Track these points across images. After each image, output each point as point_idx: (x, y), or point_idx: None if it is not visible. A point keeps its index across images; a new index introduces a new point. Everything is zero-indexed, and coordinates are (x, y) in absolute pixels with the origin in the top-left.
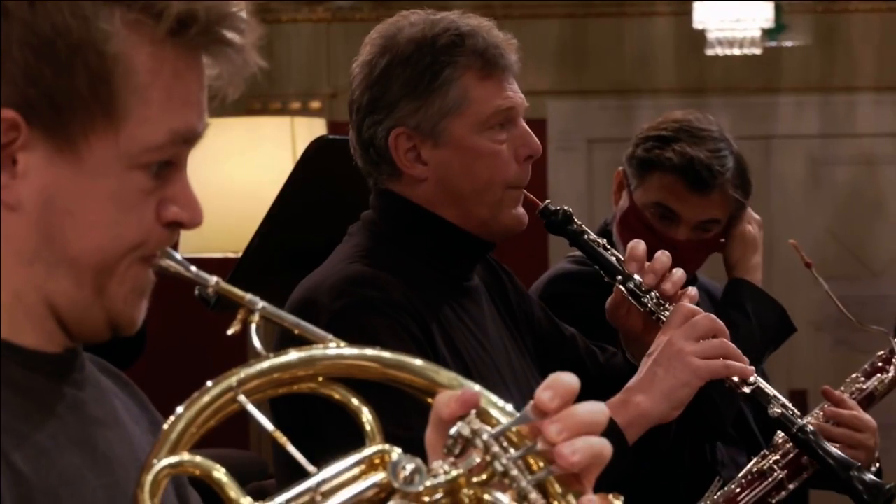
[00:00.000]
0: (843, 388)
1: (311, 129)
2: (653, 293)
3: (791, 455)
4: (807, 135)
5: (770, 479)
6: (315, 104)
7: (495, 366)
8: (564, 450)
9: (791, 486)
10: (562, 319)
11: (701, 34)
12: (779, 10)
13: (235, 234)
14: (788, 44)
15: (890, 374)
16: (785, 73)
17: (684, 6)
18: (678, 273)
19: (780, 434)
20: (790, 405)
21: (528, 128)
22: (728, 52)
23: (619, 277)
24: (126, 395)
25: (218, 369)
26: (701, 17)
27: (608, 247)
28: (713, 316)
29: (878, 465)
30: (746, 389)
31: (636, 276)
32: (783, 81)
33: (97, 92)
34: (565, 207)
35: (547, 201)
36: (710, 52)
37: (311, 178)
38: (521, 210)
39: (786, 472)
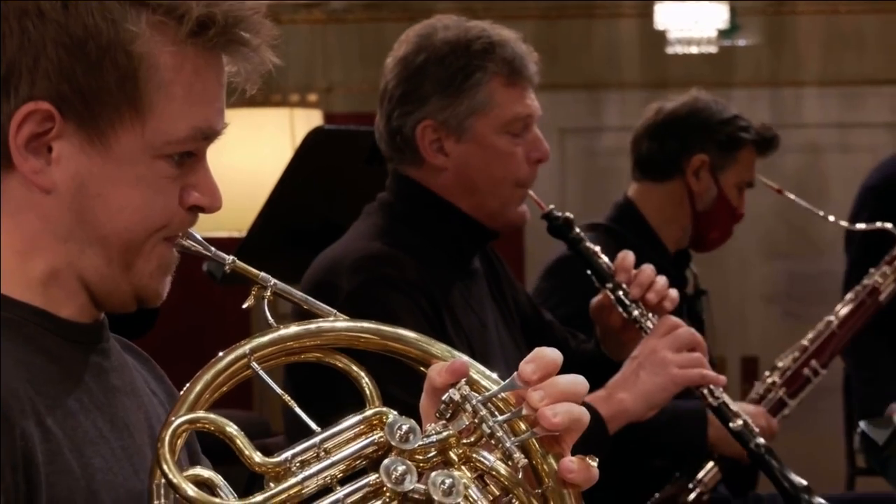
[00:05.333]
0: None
1: (309, 119)
2: (638, 303)
3: None
4: None
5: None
6: (312, 97)
7: (492, 343)
8: (547, 412)
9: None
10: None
11: (662, 34)
12: (733, 12)
13: (239, 216)
14: (741, 42)
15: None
16: (738, 69)
17: (647, 9)
18: (661, 282)
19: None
20: (750, 423)
21: (540, 134)
22: (687, 50)
23: (609, 285)
24: (146, 371)
25: (217, 349)
26: (662, 18)
27: (601, 255)
28: (693, 330)
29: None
30: (714, 403)
31: (624, 286)
32: (736, 77)
33: (124, 88)
34: (567, 214)
35: (551, 206)
36: (670, 50)
37: (308, 165)
38: (524, 208)
39: None
